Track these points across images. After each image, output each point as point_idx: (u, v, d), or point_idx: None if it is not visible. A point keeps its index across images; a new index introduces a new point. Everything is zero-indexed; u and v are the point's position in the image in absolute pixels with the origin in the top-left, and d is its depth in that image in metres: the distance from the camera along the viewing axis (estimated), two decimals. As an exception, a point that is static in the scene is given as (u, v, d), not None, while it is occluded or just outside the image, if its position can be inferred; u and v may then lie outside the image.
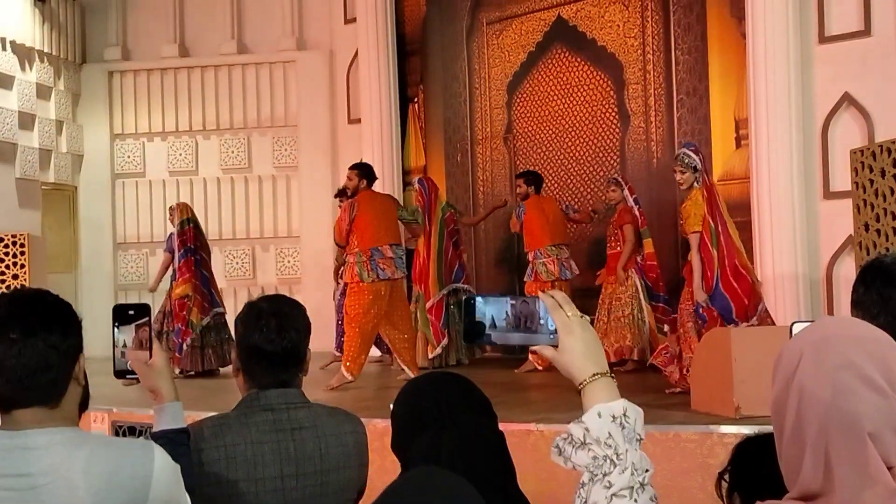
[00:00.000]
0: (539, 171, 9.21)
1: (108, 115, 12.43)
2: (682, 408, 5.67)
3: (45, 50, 11.58)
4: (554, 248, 8.51)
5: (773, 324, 6.38)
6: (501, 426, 1.92)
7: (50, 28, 11.65)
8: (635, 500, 1.39)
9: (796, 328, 1.73)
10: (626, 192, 8.23)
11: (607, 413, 1.44)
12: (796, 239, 7.92)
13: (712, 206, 6.47)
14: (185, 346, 8.94)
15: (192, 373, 8.98)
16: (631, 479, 1.40)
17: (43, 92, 11.59)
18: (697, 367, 5.63)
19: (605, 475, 1.41)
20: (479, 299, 1.55)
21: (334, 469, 2.51)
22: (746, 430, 4.74)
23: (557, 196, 9.85)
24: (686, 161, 6.53)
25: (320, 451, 2.49)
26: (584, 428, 1.44)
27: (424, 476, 1.32)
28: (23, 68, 11.25)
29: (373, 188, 7.98)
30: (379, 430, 4.78)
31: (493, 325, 1.53)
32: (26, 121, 11.23)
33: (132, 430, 6.22)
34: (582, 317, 1.53)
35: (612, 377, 1.49)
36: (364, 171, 7.97)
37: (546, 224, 8.59)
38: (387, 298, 7.73)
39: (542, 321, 1.53)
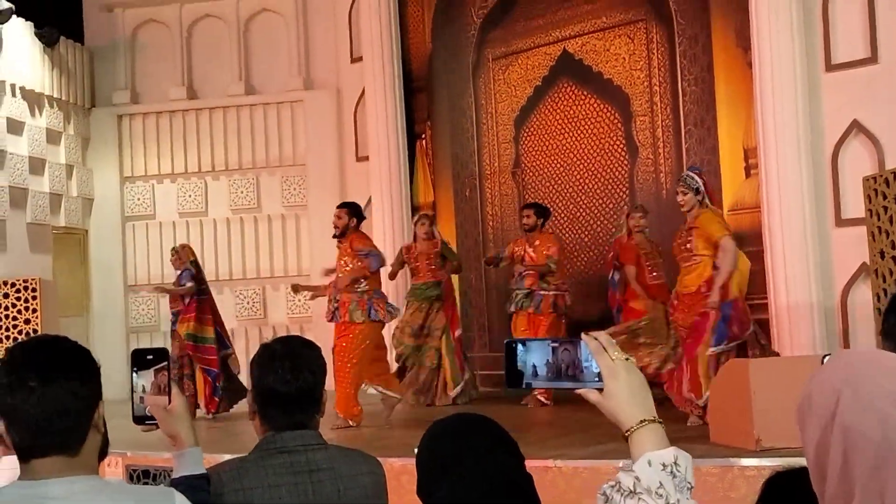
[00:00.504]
0: (548, 205, 9.21)
1: (118, 158, 12.48)
2: (701, 440, 5.60)
3: (55, 95, 11.66)
4: (564, 284, 8.59)
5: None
6: None
7: (59, 73, 11.74)
8: None
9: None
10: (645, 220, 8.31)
11: (657, 461, 1.42)
12: (809, 267, 7.87)
13: None
14: (219, 388, 8.94)
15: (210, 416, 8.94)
16: None
17: (53, 137, 11.66)
18: (716, 399, 5.58)
19: None
20: (520, 347, 1.52)
21: (352, 511, 2.48)
22: (768, 462, 4.70)
23: (568, 228, 9.85)
24: (689, 182, 6.72)
25: (338, 492, 2.46)
26: (635, 477, 1.42)
27: None
28: (32, 114, 11.32)
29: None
30: (395, 469, 4.74)
31: (535, 374, 1.51)
32: (37, 166, 11.28)
33: (146, 474, 6.17)
34: (627, 359, 1.50)
35: (661, 422, 1.47)
36: (354, 210, 7.93)
37: (563, 258, 8.67)
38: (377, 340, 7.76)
39: (585, 364, 1.50)
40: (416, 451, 1.82)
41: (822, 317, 7.85)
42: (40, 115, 11.47)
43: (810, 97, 8.02)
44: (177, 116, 12.46)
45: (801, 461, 2.31)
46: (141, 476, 6.18)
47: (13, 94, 10.99)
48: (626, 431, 1.47)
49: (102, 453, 2.01)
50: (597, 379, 1.49)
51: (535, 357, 1.52)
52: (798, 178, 7.91)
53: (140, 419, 2.21)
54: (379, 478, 2.60)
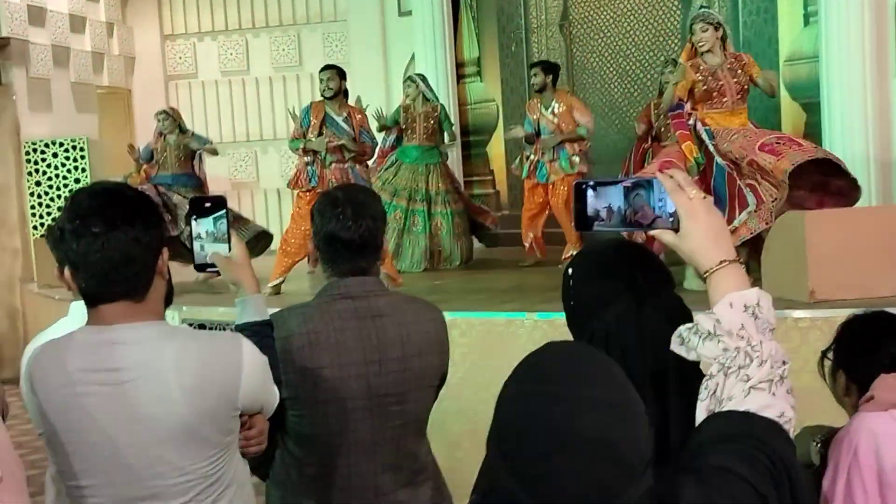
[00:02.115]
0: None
1: (158, 15, 12.35)
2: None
3: (92, -51, 11.46)
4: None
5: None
6: None
7: (95, -73, 11.50)
8: (773, 393, 1.33)
9: None
10: None
11: (739, 302, 1.37)
12: (867, 119, 7.66)
13: None
14: None
15: None
16: (770, 372, 1.34)
17: (92, -7, 11.54)
18: (770, 250, 5.50)
19: (740, 368, 1.34)
20: (590, 192, 1.47)
21: (416, 355, 2.50)
22: (821, 314, 4.67)
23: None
24: (709, 18, 5.91)
25: (402, 337, 2.49)
26: (715, 319, 1.37)
27: (571, 349, 1.24)
28: (70, -31, 11.16)
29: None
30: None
31: (604, 217, 1.47)
32: (77, 24, 11.19)
33: (202, 328, 6.30)
34: (705, 198, 1.43)
35: (742, 263, 1.41)
36: (343, 73, 7.60)
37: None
38: None
39: (659, 205, 1.44)
40: (569, 270, 1.69)
41: (878, 170, 7.69)
42: (78, -31, 11.30)
43: (876, -61, 7.64)
44: (215, -31, 12.22)
45: (852, 311, 2.28)
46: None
47: (49, -50, 10.80)
48: (705, 273, 1.42)
49: (168, 300, 2.02)
50: (671, 221, 1.44)
51: (606, 200, 1.46)
52: (859, 25, 7.61)
53: (201, 267, 2.20)
54: (440, 325, 2.62)
